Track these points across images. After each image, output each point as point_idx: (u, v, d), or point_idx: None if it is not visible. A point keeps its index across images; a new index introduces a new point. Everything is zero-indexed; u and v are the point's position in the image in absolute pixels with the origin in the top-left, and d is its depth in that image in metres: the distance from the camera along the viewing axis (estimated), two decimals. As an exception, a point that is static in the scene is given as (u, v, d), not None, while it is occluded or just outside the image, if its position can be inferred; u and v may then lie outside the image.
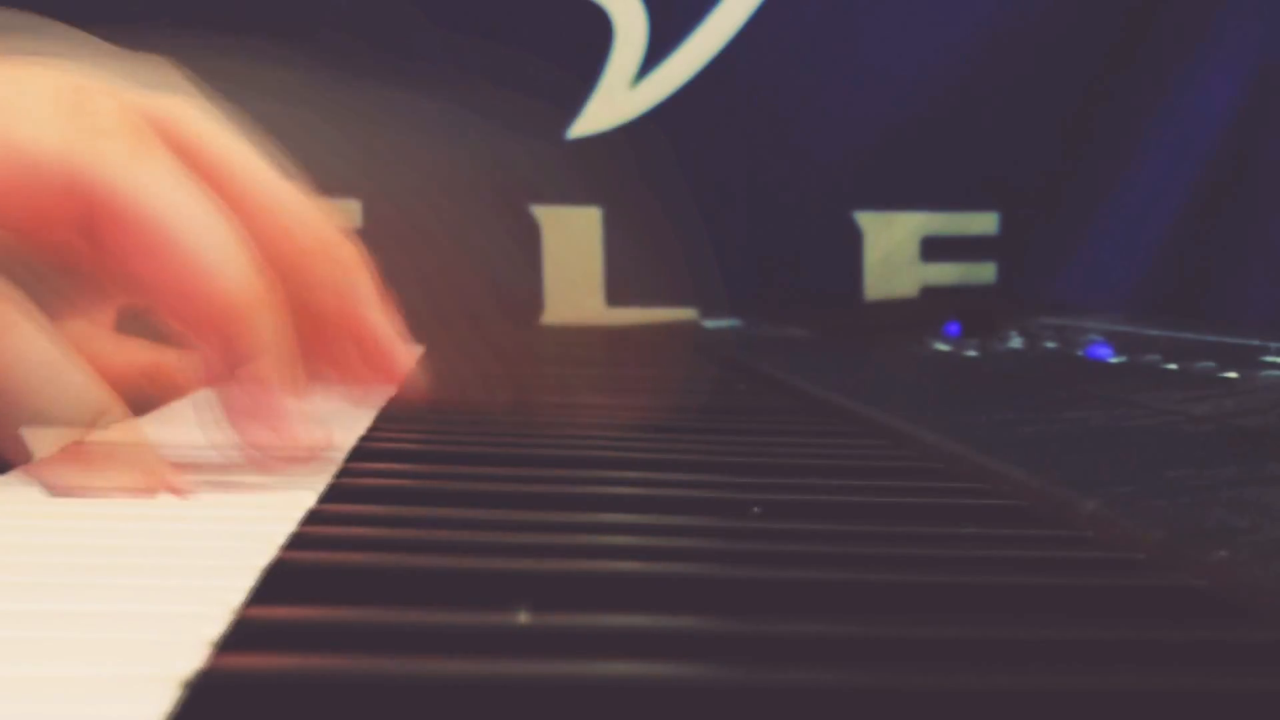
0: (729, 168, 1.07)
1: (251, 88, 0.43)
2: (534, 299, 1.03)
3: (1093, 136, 1.07)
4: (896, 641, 0.22)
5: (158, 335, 0.37)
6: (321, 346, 0.38)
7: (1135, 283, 1.06)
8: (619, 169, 1.04)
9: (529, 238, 1.03)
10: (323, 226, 0.38)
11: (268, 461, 0.35)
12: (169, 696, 0.18)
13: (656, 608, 0.23)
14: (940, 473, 0.38)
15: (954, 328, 0.83)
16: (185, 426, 0.47)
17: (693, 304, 1.06)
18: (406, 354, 0.40)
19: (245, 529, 0.28)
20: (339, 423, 0.42)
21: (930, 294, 1.08)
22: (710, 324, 1.01)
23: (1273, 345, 0.58)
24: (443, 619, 0.22)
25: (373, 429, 0.44)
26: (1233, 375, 0.51)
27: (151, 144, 0.34)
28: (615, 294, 1.05)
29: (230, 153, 0.37)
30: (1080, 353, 0.65)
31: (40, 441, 0.35)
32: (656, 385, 0.62)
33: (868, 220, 1.08)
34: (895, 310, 1.06)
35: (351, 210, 0.95)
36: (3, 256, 0.33)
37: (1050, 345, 0.70)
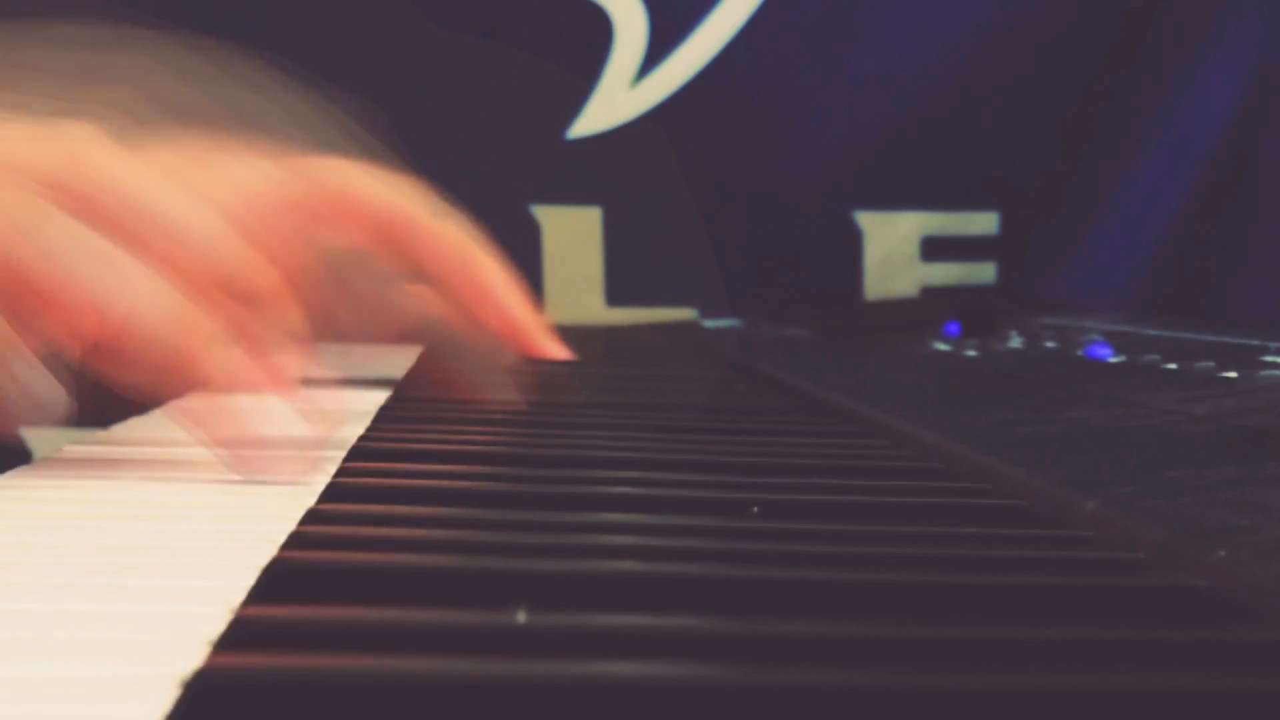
0: (729, 168, 1.07)
1: (250, 89, 0.43)
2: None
3: (1093, 136, 1.07)
4: (896, 641, 0.22)
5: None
6: None
7: (1135, 283, 1.06)
8: (619, 169, 1.04)
9: (529, 238, 1.03)
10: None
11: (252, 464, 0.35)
12: (168, 696, 0.18)
13: (656, 608, 0.23)
14: (940, 473, 0.38)
15: (954, 328, 0.83)
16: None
17: (693, 304, 1.06)
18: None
19: (245, 529, 0.28)
20: (338, 422, 0.42)
21: (930, 294, 1.08)
22: (710, 324, 1.01)
23: (1273, 345, 0.58)
24: (443, 619, 0.22)
25: (372, 429, 0.44)
26: (1233, 375, 0.51)
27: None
28: (615, 294, 1.05)
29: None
30: (1080, 353, 0.65)
31: (40, 441, 0.35)
32: (656, 385, 0.62)
33: (868, 220, 1.08)
34: (895, 310, 1.06)
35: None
36: None
37: (1050, 345, 0.70)
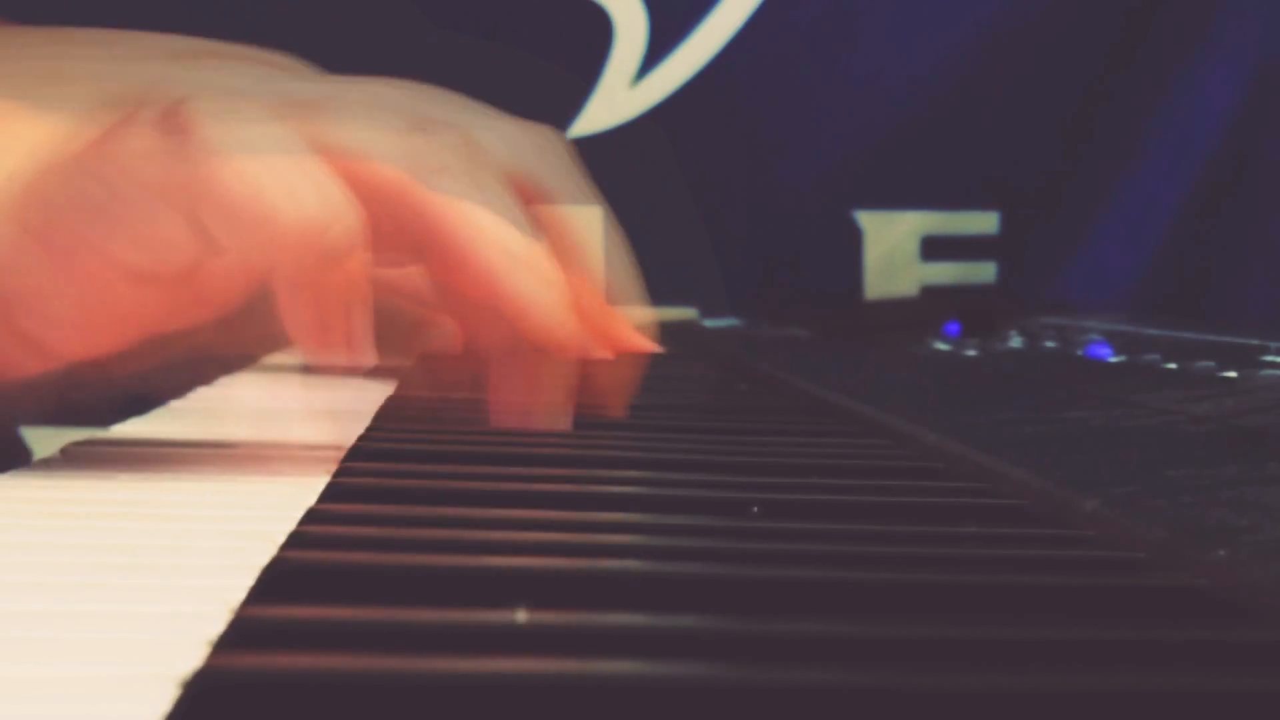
0: (729, 168, 1.07)
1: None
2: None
3: (1093, 136, 1.07)
4: (896, 641, 0.22)
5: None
6: None
7: (1135, 283, 1.06)
8: (619, 169, 1.04)
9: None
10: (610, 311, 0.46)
11: None
12: (168, 696, 0.18)
13: (657, 607, 0.23)
14: (940, 472, 0.38)
15: (954, 328, 0.83)
16: (187, 425, 0.47)
17: (693, 304, 1.05)
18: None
19: (244, 528, 0.28)
20: (337, 422, 0.42)
21: (930, 294, 1.08)
22: (710, 324, 1.01)
23: (1273, 345, 0.57)
24: (443, 619, 0.22)
25: (372, 428, 0.44)
26: (1233, 375, 0.51)
27: (486, 179, 0.40)
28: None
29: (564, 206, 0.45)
30: (1080, 352, 0.65)
31: (40, 441, 0.35)
32: (656, 385, 0.62)
33: (868, 219, 1.08)
34: (895, 310, 1.05)
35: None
36: None
37: (1050, 345, 0.70)
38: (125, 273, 0.37)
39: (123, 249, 0.37)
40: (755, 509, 0.31)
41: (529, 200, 0.43)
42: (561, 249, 0.43)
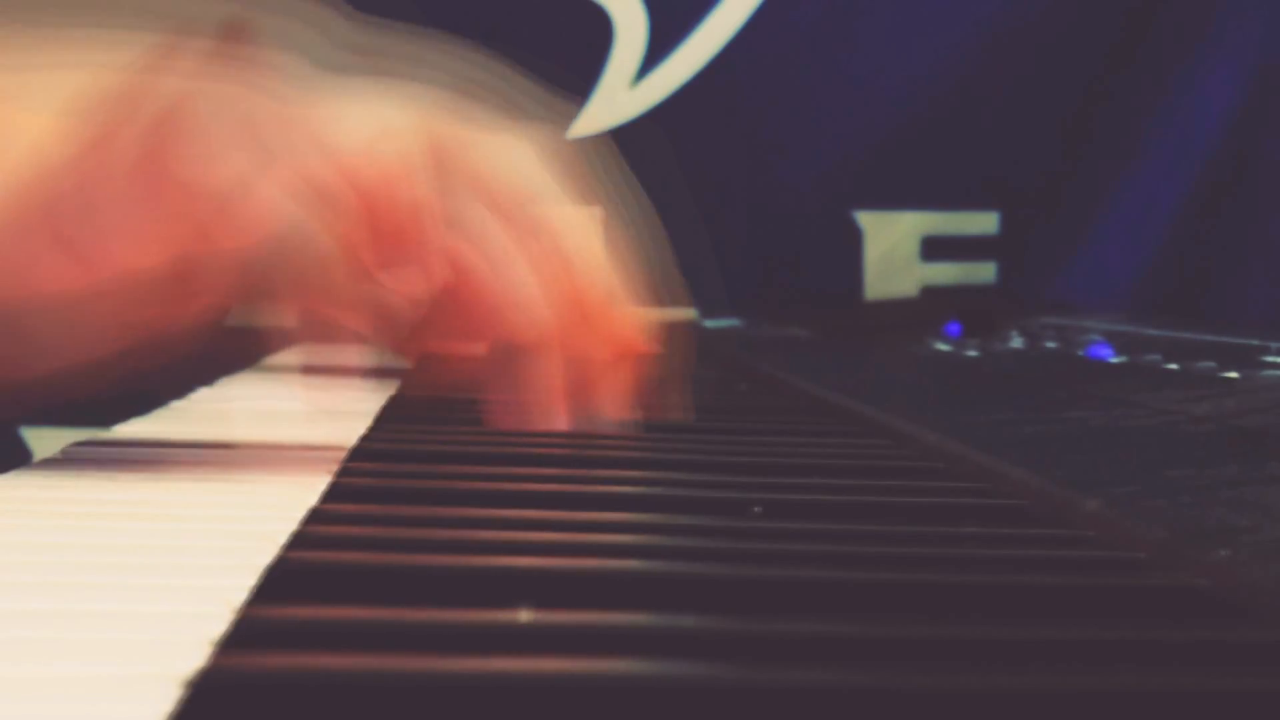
0: (729, 168, 1.07)
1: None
2: None
3: (1093, 136, 1.07)
4: (896, 641, 0.22)
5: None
6: None
7: (1135, 283, 1.06)
8: (619, 169, 1.04)
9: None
10: (603, 292, 0.45)
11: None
12: (170, 696, 0.18)
13: (656, 607, 0.23)
14: (941, 472, 0.38)
15: (954, 328, 0.83)
16: (187, 425, 0.47)
17: (693, 304, 1.06)
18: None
19: (246, 529, 0.28)
20: (338, 423, 0.43)
21: (930, 294, 1.08)
22: (710, 324, 1.01)
23: (1273, 345, 0.58)
24: (443, 619, 0.22)
25: (373, 429, 0.44)
26: (1233, 375, 0.51)
27: (481, 181, 0.41)
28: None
29: (527, 195, 0.43)
30: (1080, 353, 0.65)
31: (40, 441, 0.35)
32: (656, 385, 0.62)
33: (868, 219, 1.08)
34: (895, 310, 1.06)
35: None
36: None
37: (1050, 345, 0.70)
38: (123, 272, 0.37)
39: (121, 248, 0.37)
40: (757, 509, 0.31)
41: (526, 203, 0.43)
42: (560, 251, 0.43)
